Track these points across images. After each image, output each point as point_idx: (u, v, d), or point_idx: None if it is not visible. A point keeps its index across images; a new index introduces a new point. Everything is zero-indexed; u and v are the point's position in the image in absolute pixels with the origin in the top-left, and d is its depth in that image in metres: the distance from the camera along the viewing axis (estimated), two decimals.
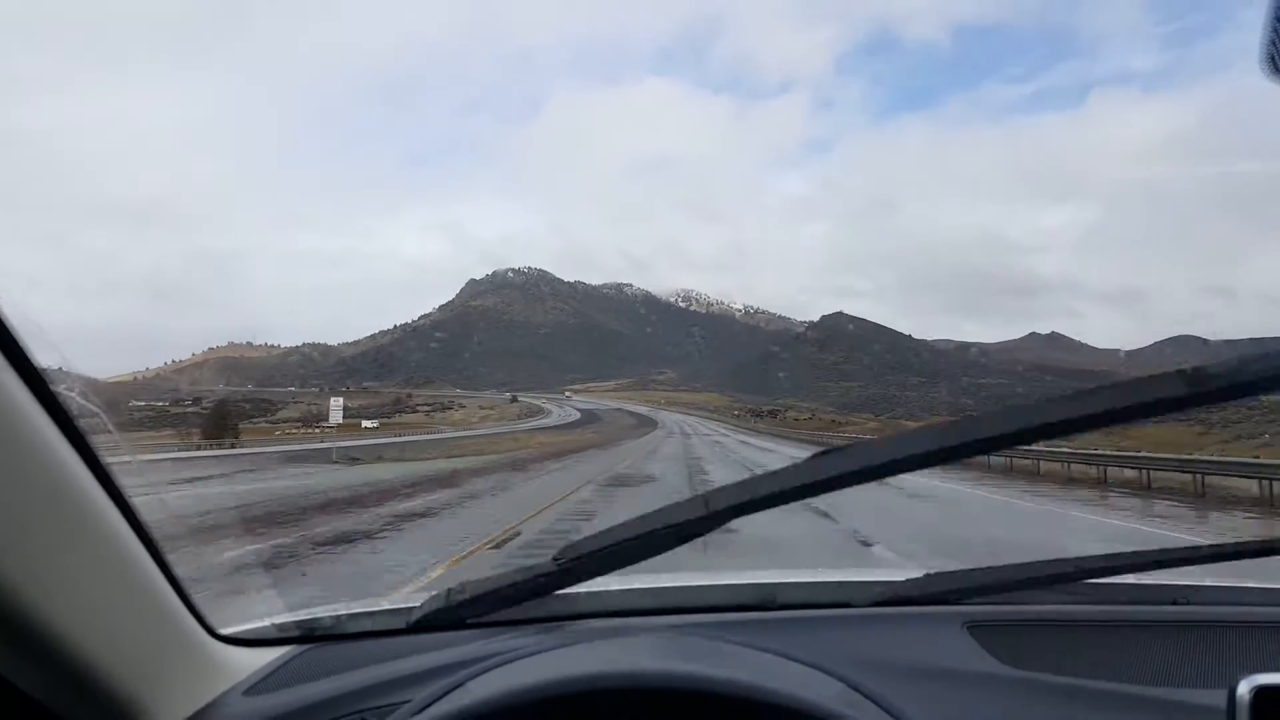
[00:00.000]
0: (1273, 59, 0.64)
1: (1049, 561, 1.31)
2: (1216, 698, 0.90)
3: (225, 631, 1.13)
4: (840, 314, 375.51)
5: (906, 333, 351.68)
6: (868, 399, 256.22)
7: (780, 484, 0.83)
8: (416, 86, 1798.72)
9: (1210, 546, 1.33)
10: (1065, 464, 22.10)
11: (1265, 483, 15.58)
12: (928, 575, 1.38)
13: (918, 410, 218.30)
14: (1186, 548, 1.34)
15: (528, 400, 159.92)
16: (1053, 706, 1.04)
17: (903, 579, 1.39)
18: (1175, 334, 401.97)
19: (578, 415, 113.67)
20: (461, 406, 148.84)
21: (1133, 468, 19.95)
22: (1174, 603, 1.35)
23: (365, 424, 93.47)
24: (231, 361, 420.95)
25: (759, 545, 8.10)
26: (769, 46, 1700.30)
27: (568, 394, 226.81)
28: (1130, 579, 1.41)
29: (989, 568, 1.29)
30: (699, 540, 0.84)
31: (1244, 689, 0.86)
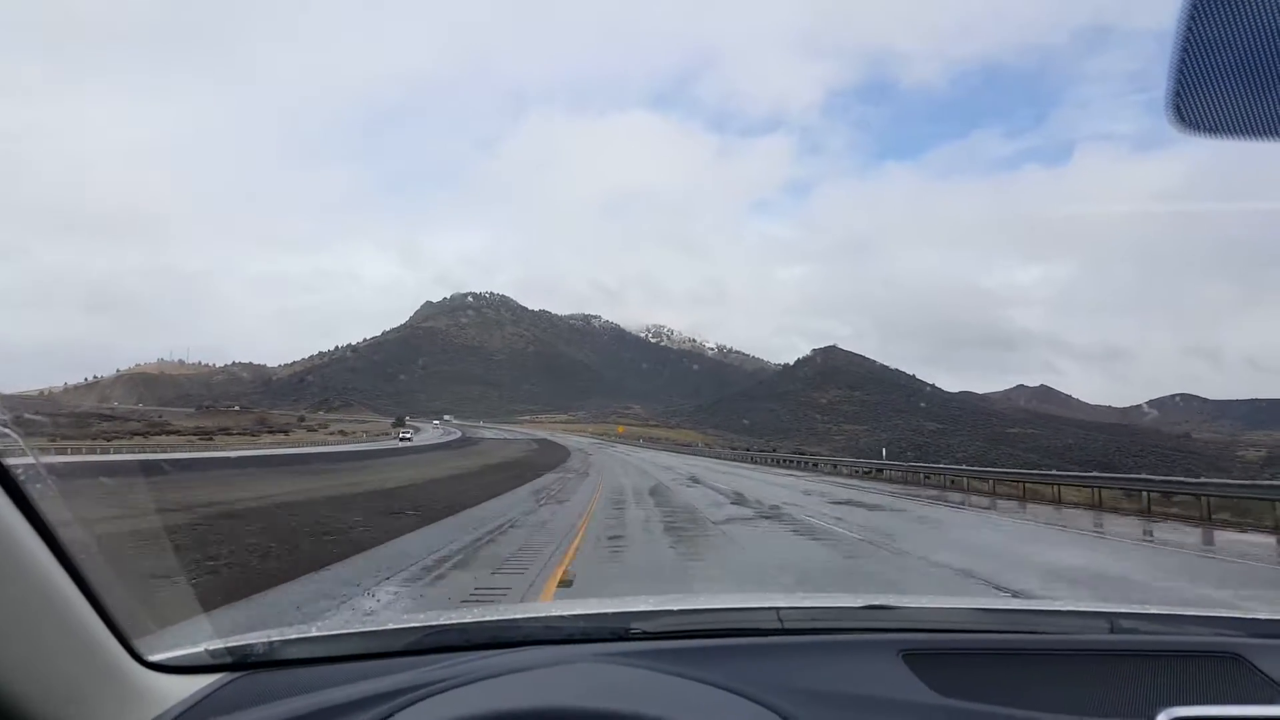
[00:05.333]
0: (1178, 108, 0.67)
1: (990, 602, 1.32)
2: None
3: (154, 658, 1.07)
4: (834, 348, 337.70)
5: (910, 373, 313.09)
6: (882, 445, 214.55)
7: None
8: (395, 113, 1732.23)
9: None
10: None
11: None
12: (868, 606, 1.37)
13: (963, 461, 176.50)
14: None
15: (412, 424, 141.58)
16: None
17: (840, 605, 1.38)
18: (1173, 392, 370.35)
19: (439, 440, 77.30)
20: (317, 429, 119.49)
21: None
22: (1110, 630, 1.36)
23: None
24: (150, 379, 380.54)
25: None
26: (760, 84, 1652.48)
27: (447, 417, 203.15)
28: (1069, 606, 1.41)
29: (930, 597, 1.26)
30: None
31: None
